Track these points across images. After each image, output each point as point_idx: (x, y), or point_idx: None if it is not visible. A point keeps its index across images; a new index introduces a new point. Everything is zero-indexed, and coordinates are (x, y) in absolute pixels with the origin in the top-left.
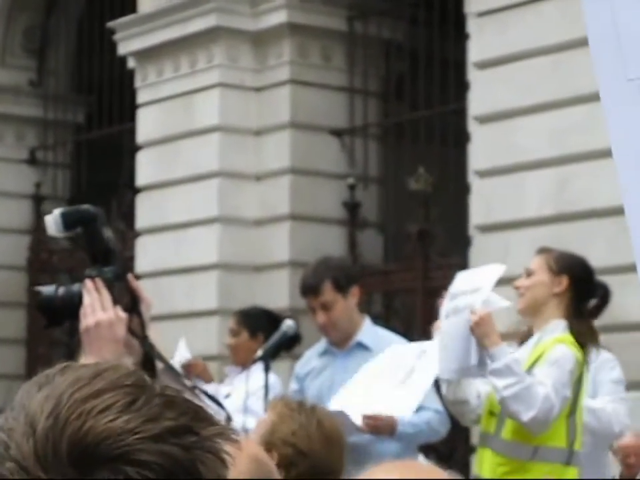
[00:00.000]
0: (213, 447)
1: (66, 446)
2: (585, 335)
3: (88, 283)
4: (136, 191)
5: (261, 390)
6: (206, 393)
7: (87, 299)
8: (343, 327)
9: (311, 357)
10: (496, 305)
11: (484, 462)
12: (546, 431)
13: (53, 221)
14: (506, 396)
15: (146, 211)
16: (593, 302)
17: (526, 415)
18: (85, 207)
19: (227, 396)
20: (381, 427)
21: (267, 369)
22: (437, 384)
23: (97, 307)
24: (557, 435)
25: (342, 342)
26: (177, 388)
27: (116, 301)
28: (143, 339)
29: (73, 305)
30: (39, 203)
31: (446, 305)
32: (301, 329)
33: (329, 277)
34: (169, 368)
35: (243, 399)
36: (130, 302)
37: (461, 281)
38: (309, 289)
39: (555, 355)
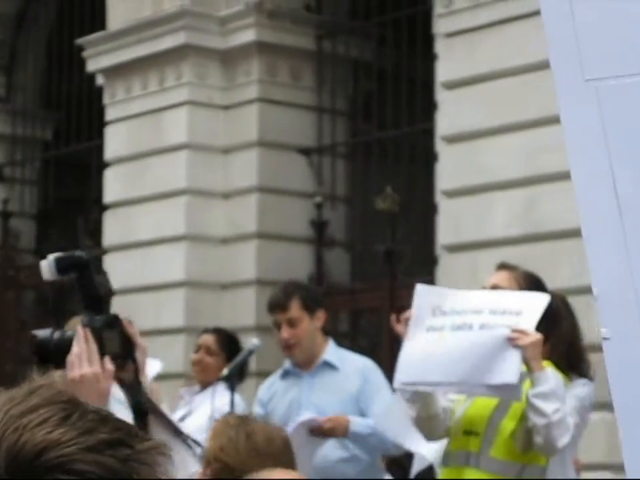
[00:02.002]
0: (148, 460)
1: (3, 459)
2: (573, 358)
3: (79, 330)
4: (103, 208)
5: (226, 408)
6: (198, 443)
7: (75, 349)
8: (305, 346)
9: (273, 381)
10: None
11: None
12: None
13: (47, 266)
14: (554, 421)
15: (113, 228)
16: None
17: (561, 442)
18: (79, 253)
19: (182, 418)
20: (335, 429)
21: (232, 388)
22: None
23: (84, 359)
24: (539, 453)
25: (306, 363)
26: (168, 437)
27: (105, 352)
28: (136, 386)
29: (65, 351)
30: (6, 219)
31: (435, 319)
32: (266, 348)
33: (298, 294)
34: (161, 416)
35: (209, 417)
36: (123, 348)
37: (468, 299)
38: (277, 304)
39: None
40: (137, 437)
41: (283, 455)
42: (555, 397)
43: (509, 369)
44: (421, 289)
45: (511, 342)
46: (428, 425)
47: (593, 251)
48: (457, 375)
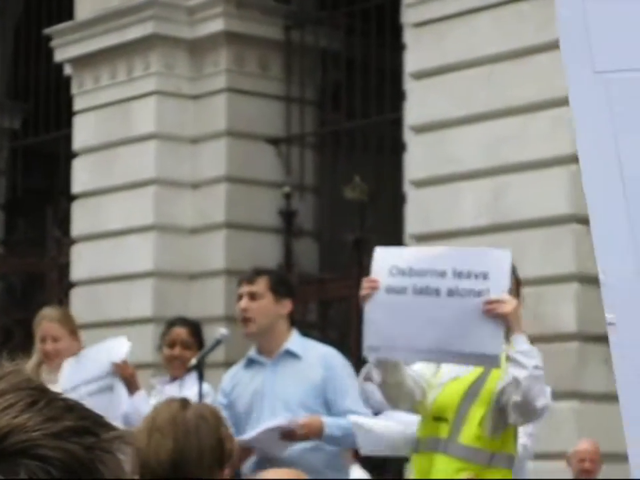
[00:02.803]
0: (113, 449)
1: None
2: None
3: None
4: (72, 198)
5: (195, 399)
6: None
7: None
8: (262, 324)
9: (236, 371)
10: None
11: (437, 466)
12: (501, 432)
13: None
14: (535, 375)
15: (82, 218)
16: None
17: (540, 401)
18: None
19: None
20: (309, 433)
21: (200, 378)
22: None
23: None
24: (509, 441)
25: (270, 350)
26: None
27: None
28: None
29: None
30: None
31: (396, 279)
32: (235, 338)
33: (267, 275)
34: None
35: None
36: None
37: (430, 258)
38: (245, 277)
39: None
40: (103, 426)
41: (185, 435)
42: (536, 355)
43: (491, 340)
44: (378, 251)
45: (489, 312)
46: (393, 392)
47: (599, 237)
48: (426, 342)
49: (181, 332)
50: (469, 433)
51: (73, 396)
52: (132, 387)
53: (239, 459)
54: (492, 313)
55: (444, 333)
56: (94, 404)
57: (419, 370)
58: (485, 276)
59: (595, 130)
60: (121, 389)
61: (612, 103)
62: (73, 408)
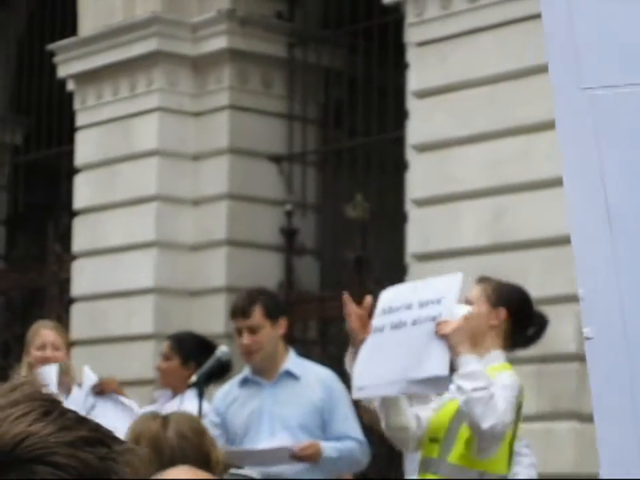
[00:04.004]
0: (125, 461)
1: None
2: None
3: None
4: (73, 213)
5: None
6: None
7: None
8: (265, 353)
9: (230, 389)
10: (460, 313)
11: None
12: (491, 452)
13: None
14: (474, 397)
15: (83, 233)
16: (530, 331)
17: (486, 422)
18: None
19: None
20: (310, 455)
21: (200, 395)
22: (358, 412)
23: None
24: (500, 461)
25: (268, 372)
26: None
27: None
28: None
29: None
30: None
31: (379, 319)
32: (234, 356)
33: (260, 302)
34: None
35: None
36: None
37: (405, 293)
38: (239, 311)
39: (504, 380)
40: (114, 438)
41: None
42: (479, 376)
43: (436, 361)
44: (383, 294)
45: (437, 334)
46: (396, 435)
47: (581, 253)
48: (393, 374)
49: (165, 344)
50: (457, 452)
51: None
52: (120, 393)
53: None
54: (438, 334)
55: (406, 362)
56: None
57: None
58: (438, 301)
59: (580, 146)
60: (117, 405)
61: (597, 119)
62: (84, 420)
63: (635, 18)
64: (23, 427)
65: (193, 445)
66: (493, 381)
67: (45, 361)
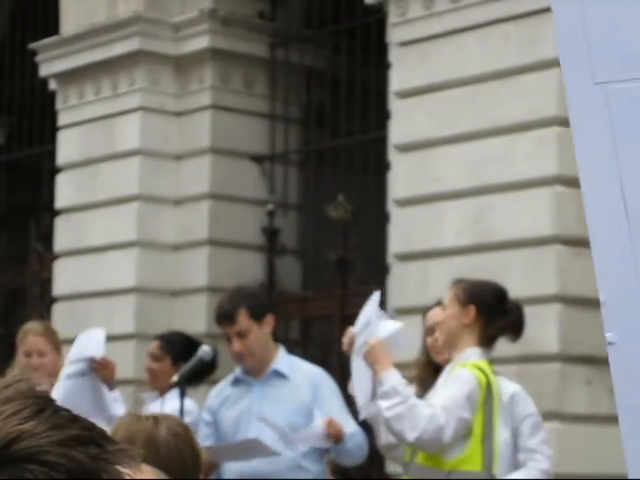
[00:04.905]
0: (117, 461)
1: None
2: None
3: None
4: (55, 213)
5: (176, 414)
6: None
7: None
8: (258, 355)
9: (223, 388)
10: (391, 329)
11: None
12: (439, 450)
13: None
14: (389, 417)
15: (65, 233)
16: (505, 322)
17: (410, 435)
18: None
19: None
20: (338, 434)
21: (182, 395)
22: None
23: None
24: (471, 458)
25: (257, 370)
26: None
27: None
28: None
29: None
30: None
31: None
32: (218, 355)
33: (244, 305)
34: None
35: None
36: None
37: (362, 315)
38: (225, 317)
39: (453, 378)
40: (107, 438)
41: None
42: (395, 392)
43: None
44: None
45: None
46: (391, 455)
47: (600, 255)
48: (361, 399)
49: (152, 345)
50: (424, 453)
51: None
52: (109, 385)
53: (205, 471)
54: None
55: (364, 386)
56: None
57: None
58: (368, 324)
59: (595, 142)
60: (102, 386)
61: (612, 113)
62: (78, 419)
63: None
64: (14, 425)
65: (186, 443)
66: (409, 393)
67: (32, 367)
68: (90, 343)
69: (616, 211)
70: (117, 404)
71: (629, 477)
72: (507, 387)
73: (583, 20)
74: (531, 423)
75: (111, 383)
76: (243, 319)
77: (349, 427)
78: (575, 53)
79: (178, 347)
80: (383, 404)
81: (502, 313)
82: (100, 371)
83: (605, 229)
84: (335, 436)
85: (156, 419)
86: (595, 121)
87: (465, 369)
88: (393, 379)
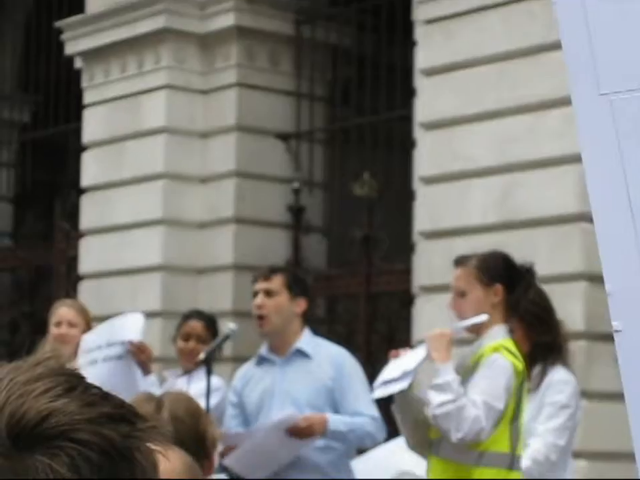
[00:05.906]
0: (148, 438)
1: (5, 424)
2: (543, 348)
3: None
4: (81, 191)
5: (203, 393)
6: None
7: None
8: (275, 323)
9: (248, 368)
10: (470, 322)
11: (430, 467)
12: (488, 434)
13: None
14: (438, 414)
15: (90, 211)
16: (521, 288)
17: (454, 435)
18: None
19: None
20: (313, 427)
21: (209, 372)
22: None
23: None
24: (500, 440)
25: (280, 348)
26: None
27: None
28: None
29: None
30: None
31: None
32: (243, 333)
33: (284, 273)
34: None
35: None
36: None
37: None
38: (262, 273)
39: (490, 367)
40: (138, 416)
41: None
42: (449, 389)
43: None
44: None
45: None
46: (419, 453)
47: (606, 248)
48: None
49: (196, 325)
50: None
51: (86, 359)
52: (145, 369)
53: (221, 454)
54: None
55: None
56: (108, 369)
57: None
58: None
59: (602, 152)
60: (136, 370)
61: (617, 125)
62: (108, 396)
63: None
64: (46, 402)
65: (187, 428)
66: (460, 391)
67: (61, 337)
68: (128, 326)
69: (621, 213)
70: (153, 388)
71: (637, 464)
72: (556, 371)
73: (588, 31)
74: (549, 410)
75: (147, 368)
76: (277, 282)
77: (367, 410)
78: (581, 64)
79: (215, 327)
80: (435, 398)
81: (519, 280)
82: (137, 355)
83: (611, 225)
84: (312, 429)
85: (160, 401)
86: (601, 131)
87: (500, 356)
88: (449, 373)
